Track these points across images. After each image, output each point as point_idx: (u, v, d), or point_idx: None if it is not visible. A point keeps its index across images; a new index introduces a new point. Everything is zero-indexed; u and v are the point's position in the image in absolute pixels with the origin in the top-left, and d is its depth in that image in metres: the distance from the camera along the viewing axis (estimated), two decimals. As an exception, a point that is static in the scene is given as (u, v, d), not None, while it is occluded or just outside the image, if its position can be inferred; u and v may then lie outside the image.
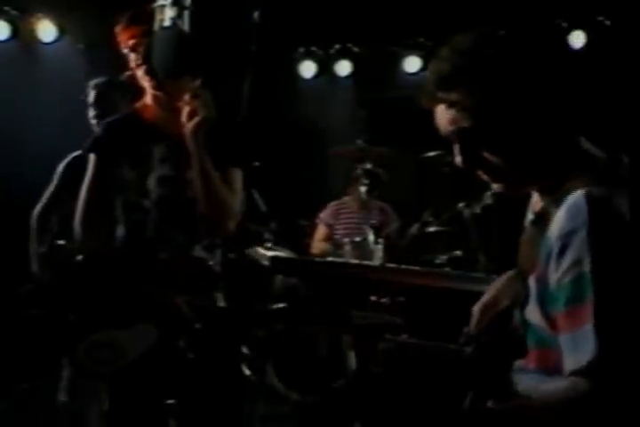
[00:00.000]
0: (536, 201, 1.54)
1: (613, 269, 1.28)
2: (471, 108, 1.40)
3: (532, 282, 1.41)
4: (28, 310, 3.64)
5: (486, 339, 1.64)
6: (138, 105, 2.54)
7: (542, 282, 1.37)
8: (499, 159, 1.43)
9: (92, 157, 2.47)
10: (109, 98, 3.46)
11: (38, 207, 3.57)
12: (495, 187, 1.49)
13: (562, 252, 1.31)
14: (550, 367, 1.37)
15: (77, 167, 3.52)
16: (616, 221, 1.30)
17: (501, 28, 1.45)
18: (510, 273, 1.68)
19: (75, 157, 3.58)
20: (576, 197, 1.33)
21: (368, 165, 4.86)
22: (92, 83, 3.55)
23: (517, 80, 1.40)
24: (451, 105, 1.42)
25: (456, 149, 1.47)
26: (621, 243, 1.29)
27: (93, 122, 3.48)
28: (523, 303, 1.45)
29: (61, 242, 3.31)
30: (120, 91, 3.40)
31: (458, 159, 1.47)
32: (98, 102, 3.48)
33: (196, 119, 2.30)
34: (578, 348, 1.26)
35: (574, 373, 1.26)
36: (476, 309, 1.71)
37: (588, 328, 1.25)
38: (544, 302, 1.37)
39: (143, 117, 2.50)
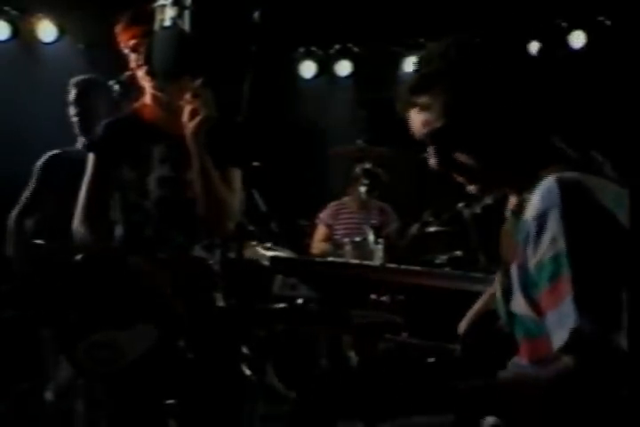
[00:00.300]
0: (512, 201, 1.55)
1: (588, 244, 1.30)
2: (442, 109, 1.44)
3: (513, 271, 1.43)
4: (5, 311, 3.64)
5: (470, 340, 1.66)
6: (137, 105, 2.54)
7: (523, 268, 1.39)
8: (471, 160, 1.46)
9: (91, 156, 2.47)
10: (90, 96, 3.47)
11: (17, 208, 3.57)
12: (470, 188, 1.52)
13: (538, 233, 1.34)
14: (542, 359, 1.38)
15: (55, 166, 3.54)
16: (587, 198, 1.33)
17: (472, 34, 1.49)
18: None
19: (51, 156, 3.59)
20: (548, 181, 1.37)
21: (367, 165, 4.86)
22: (73, 81, 3.55)
23: (486, 81, 1.43)
24: (423, 108, 1.47)
25: (430, 151, 1.50)
26: (594, 219, 1.32)
27: (74, 120, 3.48)
28: (507, 296, 1.46)
29: (39, 241, 3.31)
30: (101, 89, 3.41)
31: (432, 161, 1.51)
32: (78, 101, 3.49)
33: (197, 119, 2.29)
34: (561, 324, 1.28)
35: (560, 349, 1.27)
36: (467, 317, 1.74)
37: (568, 304, 1.27)
38: (527, 287, 1.39)
39: (143, 117, 2.50)
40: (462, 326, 1.74)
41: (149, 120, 2.49)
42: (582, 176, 1.37)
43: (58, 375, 3.29)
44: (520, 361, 1.48)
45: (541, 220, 1.33)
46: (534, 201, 1.37)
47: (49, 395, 3.31)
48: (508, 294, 1.46)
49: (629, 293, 1.27)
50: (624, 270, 1.29)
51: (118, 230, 2.45)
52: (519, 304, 1.42)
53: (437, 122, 1.46)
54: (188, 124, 2.30)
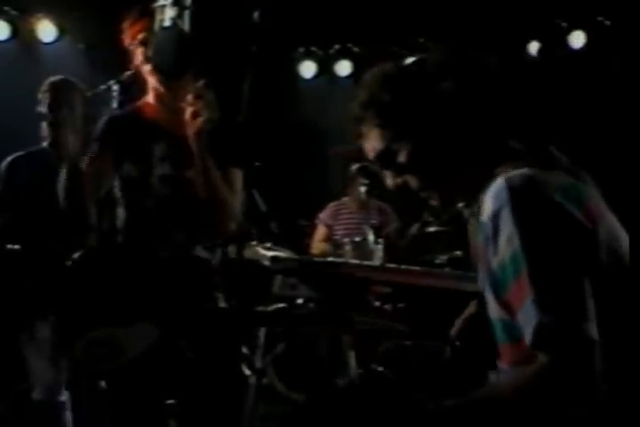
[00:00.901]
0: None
1: (540, 238, 1.31)
2: (378, 134, 1.53)
3: (483, 274, 1.44)
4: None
5: (461, 342, 1.67)
6: (140, 103, 2.54)
7: (489, 270, 1.40)
8: (417, 179, 1.52)
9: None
10: (64, 97, 3.45)
11: None
12: (432, 203, 1.56)
13: (495, 234, 1.36)
14: (519, 362, 1.37)
15: (18, 167, 3.54)
16: (535, 194, 1.35)
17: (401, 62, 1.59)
18: None
19: (15, 158, 3.58)
20: (497, 181, 1.39)
21: (365, 163, 4.85)
22: (48, 82, 3.53)
23: (406, 104, 1.50)
24: (365, 137, 1.56)
25: (385, 174, 1.57)
26: (543, 213, 1.33)
27: (44, 119, 3.45)
28: (483, 302, 1.47)
29: (11, 246, 3.30)
30: (73, 91, 3.40)
31: (387, 182, 1.57)
32: (52, 102, 3.47)
33: (200, 120, 2.29)
34: (529, 322, 1.28)
35: (531, 347, 1.27)
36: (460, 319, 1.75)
37: (530, 300, 1.28)
38: (496, 289, 1.39)
39: (144, 115, 2.50)
40: (454, 328, 1.75)
41: (151, 118, 2.48)
42: (531, 171, 1.39)
43: (42, 376, 3.30)
44: (501, 366, 1.47)
45: (495, 220, 1.35)
46: (487, 202, 1.39)
47: (36, 394, 3.33)
48: (483, 300, 1.46)
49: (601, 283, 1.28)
50: (582, 260, 1.30)
51: (120, 228, 2.44)
52: (492, 308, 1.42)
53: (378, 147, 1.54)
54: (191, 124, 2.30)
